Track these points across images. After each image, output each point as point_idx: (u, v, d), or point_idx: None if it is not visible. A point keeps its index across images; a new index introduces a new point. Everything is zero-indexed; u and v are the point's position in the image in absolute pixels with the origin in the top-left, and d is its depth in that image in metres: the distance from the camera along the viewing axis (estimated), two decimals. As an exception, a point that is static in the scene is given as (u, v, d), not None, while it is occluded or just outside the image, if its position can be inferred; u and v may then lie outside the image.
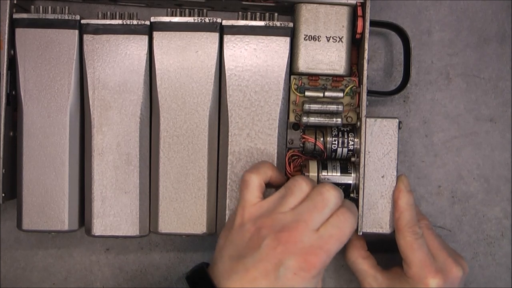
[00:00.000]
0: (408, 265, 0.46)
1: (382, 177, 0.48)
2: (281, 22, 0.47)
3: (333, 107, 0.47)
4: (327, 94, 0.48)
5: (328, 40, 0.48)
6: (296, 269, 0.39)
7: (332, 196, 0.41)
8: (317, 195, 0.41)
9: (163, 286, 0.55)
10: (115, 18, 0.48)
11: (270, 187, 0.45)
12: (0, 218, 0.54)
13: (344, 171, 0.47)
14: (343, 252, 0.53)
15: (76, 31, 0.48)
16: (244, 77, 0.48)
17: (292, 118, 0.49)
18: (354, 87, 0.48)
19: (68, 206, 0.48)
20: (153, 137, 0.49)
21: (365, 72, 0.47)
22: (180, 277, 0.43)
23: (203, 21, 0.47)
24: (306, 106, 0.47)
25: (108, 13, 0.48)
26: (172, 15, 0.48)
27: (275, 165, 0.48)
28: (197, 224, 0.49)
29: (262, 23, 0.47)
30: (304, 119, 0.47)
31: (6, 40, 0.47)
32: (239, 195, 0.44)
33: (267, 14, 0.48)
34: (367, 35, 0.47)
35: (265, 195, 0.44)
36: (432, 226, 0.50)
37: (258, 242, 0.40)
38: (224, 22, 0.47)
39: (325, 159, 0.49)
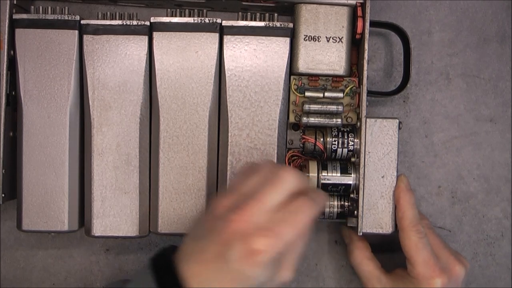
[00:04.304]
0: (412, 265, 0.46)
1: (382, 177, 0.48)
2: (281, 23, 0.47)
3: (333, 108, 0.47)
4: (327, 94, 0.48)
5: (328, 41, 0.48)
6: (244, 252, 0.36)
7: (288, 175, 0.39)
8: (272, 173, 0.39)
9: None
10: (115, 19, 0.48)
11: None
12: (0, 218, 0.54)
13: (344, 171, 0.47)
14: (343, 252, 0.53)
15: (76, 32, 0.48)
16: (244, 77, 0.48)
17: (292, 119, 0.49)
18: (354, 88, 0.48)
19: (68, 207, 0.48)
20: (153, 137, 0.49)
21: (365, 73, 0.47)
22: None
23: (203, 21, 0.47)
24: (306, 107, 0.47)
25: (108, 13, 0.48)
26: (172, 16, 0.48)
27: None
28: (197, 225, 0.49)
29: (262, 24, 0.47)
30: (304, 119, 0.47)
31: (6, 40, 0.47)
32: None
33: (267, 15, 0.48)
34: (367, 35, 0.47)
35: None
36: (432, 226, 0.50)
37: (213, 223, 0.38)
38: (224, 23, 0.47)
39: (325, 160, 0.49)
